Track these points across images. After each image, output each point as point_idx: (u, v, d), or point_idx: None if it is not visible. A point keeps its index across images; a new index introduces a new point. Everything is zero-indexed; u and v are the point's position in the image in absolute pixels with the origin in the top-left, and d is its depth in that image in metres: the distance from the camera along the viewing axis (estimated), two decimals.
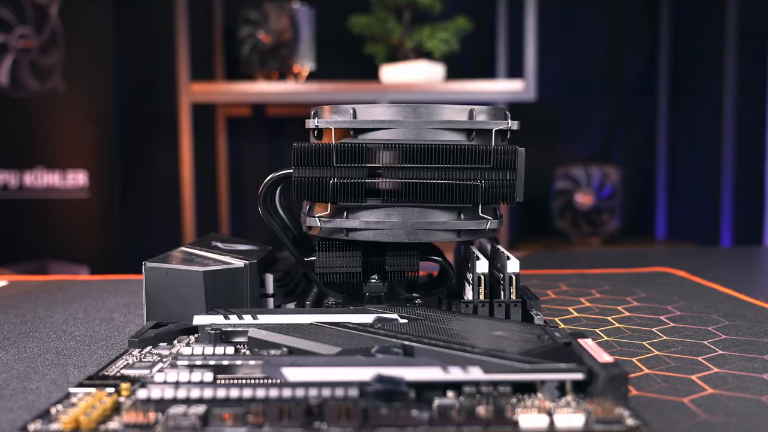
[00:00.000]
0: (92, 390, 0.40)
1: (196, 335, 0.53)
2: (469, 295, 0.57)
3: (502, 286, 0.55)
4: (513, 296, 0.55)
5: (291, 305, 0.62)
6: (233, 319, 0.50)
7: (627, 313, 0.64)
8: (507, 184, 0.55)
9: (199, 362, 0.42)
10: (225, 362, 0.42)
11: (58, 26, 1.96)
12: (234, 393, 0.37)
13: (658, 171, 2.32)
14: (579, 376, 0.39)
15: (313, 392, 0.37)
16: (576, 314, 0.64)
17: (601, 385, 0.38)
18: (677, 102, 2.27)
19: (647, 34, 2.32)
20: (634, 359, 0.50)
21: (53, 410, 0.38)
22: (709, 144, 2.11)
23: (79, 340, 0.56)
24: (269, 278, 0.60)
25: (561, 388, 0.39)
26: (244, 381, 0.41)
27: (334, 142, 0.55)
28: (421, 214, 0.55)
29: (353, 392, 0.37)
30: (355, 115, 0.55)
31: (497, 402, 0.37)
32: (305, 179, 0.54)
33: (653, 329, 0.58)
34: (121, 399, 0.39)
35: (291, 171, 0.55)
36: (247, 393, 0.37)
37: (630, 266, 0.91)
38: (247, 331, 0.48)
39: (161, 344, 0.51)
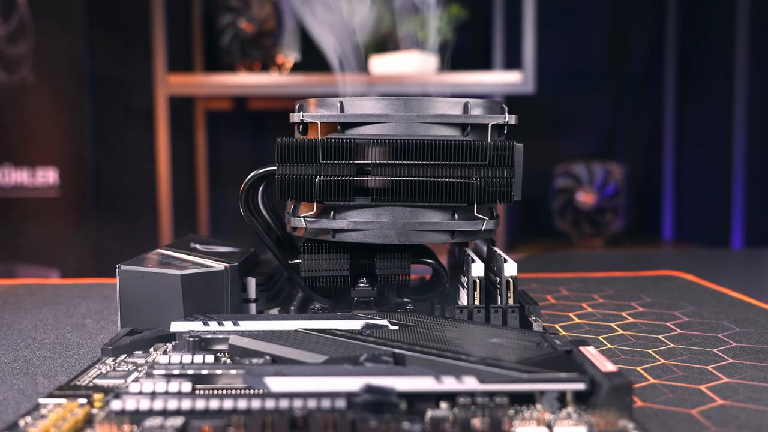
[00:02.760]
0: (63, 401, 0.40)
1: (174, 343, 0.53)
2: (463, 300, 0.57)
3: (498, 291, 0.55)
4: (510, 301, 0.55)
5: (274, 311, 0.62)
6: (213, 325, 0.50)
7: (631, 320, 0.64)
8: (504, 182, 0.55)
9: (176, 371, 0.42)
10: (204, 371, 0.42)
11: (26, 14, 1.95)
12: (214, 404, 0.37)
13: (665, 168, 2.32)
14: (580, 386, 0.39)
15: (297, 403, 0.37)
16: (577, 320, 0.64)
17: (604, 395, 0.38)
18: (685, 94, 2.28)
19: (653, 22, 2.32)
20: (639, 368, 0.50)
21: (22, 422, 0.37)
22: (718, 139, 2.12)
23: (50, 348, 0.56)
24: (251, 282, 0.60)
25: (561, 399, 0.39)
26: (224, 391, 0.41)
27: (320, 138, 0.55)
28: (412, 214, 0.55)
29: (340, 403, 0.37)
30: (342, 109, 0.55)
31: (494, 414, 0.37)
32: (289, 177, 0.54)
33: (659, 336, 0.59)
34: (94, 410, 0.39)
35: (274, 168, 0.55)
36: (228, 404, 0.37)
37: (635, 269, 0.91)
38: (228, 339, 0.48)
39: (136, 352, 0.51)
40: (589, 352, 0.43)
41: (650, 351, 0.54)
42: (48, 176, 1.99)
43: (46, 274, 1.99)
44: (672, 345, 0.56)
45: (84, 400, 0.40)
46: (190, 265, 0.57)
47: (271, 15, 1.95)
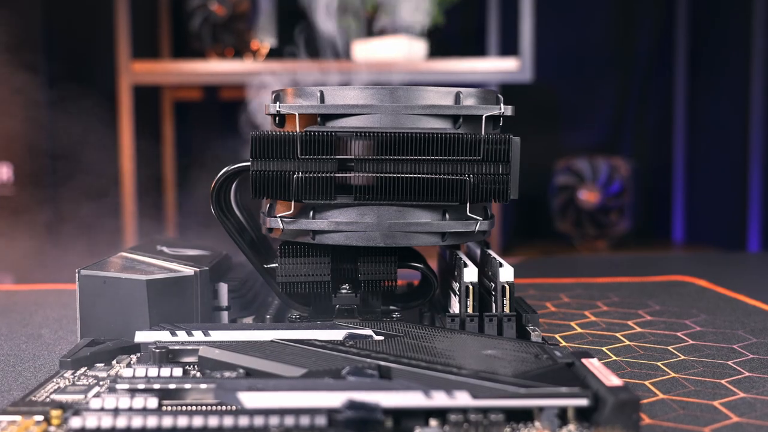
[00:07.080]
0: (18, 418, 0.40)
1: (138, 354, 0.53)
2: (455, 307, 0.57)
3: (493, 298, 0.55)
4: (506, 309, 0.55)
5: (248, 320, 0.62)
6: (181, 335, 0.50)
7: (639, 329, 0.65)
8: (499, 179, 0.55)
9: (141, 386, 0.42)
10: (172, 386, 0.42)
11: None
12: (182, 421, 0.37)
13: (675, 163, 2.33)
14: (583, 401, 0.39)
15: (274, 420, 0.37)
16: (579, 330, 0.65)
17: (609, 412, 0.38)
18: (697, 82, 2.28)
19: (662, 3, 2.33)
20: (646, 382, 0.50)
21: None
22: (734, 131, 2.12)
23: (3, 360, 0.56)
24: (223, 288, 0.60)
25: (562, 416, 0.40)
26: (194, 408, 0.41)
27: (298, 131, 0.54)
28: (399, 213, 0.55)
29: (321, 420, 0.37)
30: (322, 99, 0.55)
31: None
32: (265, 173, 0.54)
33: (669, 347, 0.59)
34: (52, 428, 0.39)
35: (248, 164, 0.55)
36: (198, 421, 0.37)
37: (642, 274, 0.91)
38: (198, 350, 0.48)
39: (98, 365, 0.51)
40: (593, 364, 0.43)
41: (659, 363, 0.54)
42: (1, 172, 1.98)
43: None
44: (683, 357, 0.56)
45: (41, 417, 0.40)
46: (156, 269, 0.57)
47: None
